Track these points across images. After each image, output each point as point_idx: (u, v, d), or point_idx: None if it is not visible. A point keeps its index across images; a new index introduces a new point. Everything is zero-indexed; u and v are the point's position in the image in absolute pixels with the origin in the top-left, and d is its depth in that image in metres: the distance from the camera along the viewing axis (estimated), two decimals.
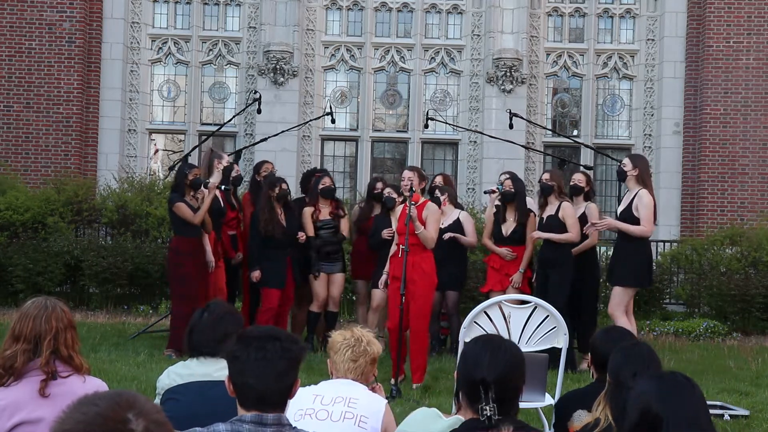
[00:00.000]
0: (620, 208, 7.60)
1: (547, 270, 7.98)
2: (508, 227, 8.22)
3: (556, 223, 7.95)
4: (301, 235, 8.34)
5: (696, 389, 2.48)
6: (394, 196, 8.04)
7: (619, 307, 7.42)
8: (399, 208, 7.34)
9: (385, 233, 8.04)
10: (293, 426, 2.50)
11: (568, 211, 7.94)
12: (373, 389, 3.64)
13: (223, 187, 8.29)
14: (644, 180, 7.45)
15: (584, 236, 8.06)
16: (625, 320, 7.29)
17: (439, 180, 9.00)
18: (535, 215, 8.36)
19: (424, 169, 11.64)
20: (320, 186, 8.56)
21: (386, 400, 3.46)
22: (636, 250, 7.46)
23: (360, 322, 8.70)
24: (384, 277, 7.31)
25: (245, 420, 2.41)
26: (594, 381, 3.65)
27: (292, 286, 8.38)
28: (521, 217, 8.16)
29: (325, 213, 8.56)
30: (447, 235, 8.23)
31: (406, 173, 7.39)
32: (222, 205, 8.43)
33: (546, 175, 8.18)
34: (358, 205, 9.44)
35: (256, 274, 8.09)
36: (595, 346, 3.62)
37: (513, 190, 8.17)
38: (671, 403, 2.40)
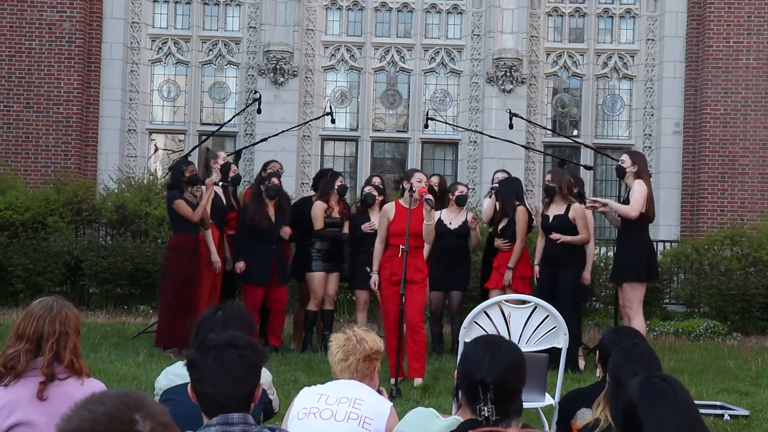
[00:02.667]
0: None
1: (556, 269, 7.92)
2: (500, 223, 8.30)
3: (564, 224, 7.91)
4: (285, 230, 8.32)
5: (678, 392, 2.46)
6: (375, 194, 8.41)
7: (632, 304, 7.42)
8: (392, 209, 7.25)
9: (366, 227, 8.30)
10: (259, 425, 2.49)
11: (580, 213, 7.92)
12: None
13: (221, 183, 8.29)
14: (641, 177, 7.49)
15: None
16: (640, 319, 7.29)
17: (435, 181, 9.00)
18: (527, 209, 8.35)
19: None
20: (338, 183, 8.67)
21: (392, 403, 3.43)
22: (633, 245, 7.48)
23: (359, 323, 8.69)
24: (375, 277, 7.27)
25: (212, 424, 2.42)
26: (600, 380, 3.64)
27: (283, 287, 8.35)
28: (508, 212, 8.18)
29: (336, 211, 8.61)
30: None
31: (421, 175, 7.28)
32: (224, 202, 8.42)
33: (548, 176, 8.20)
34: (354, 205, 9.44)
35: (240, 265, 8.14)
36: (602, 346, 3.62)
37: (498, 186, 8.31)
38: (651, 407, 2.40)
